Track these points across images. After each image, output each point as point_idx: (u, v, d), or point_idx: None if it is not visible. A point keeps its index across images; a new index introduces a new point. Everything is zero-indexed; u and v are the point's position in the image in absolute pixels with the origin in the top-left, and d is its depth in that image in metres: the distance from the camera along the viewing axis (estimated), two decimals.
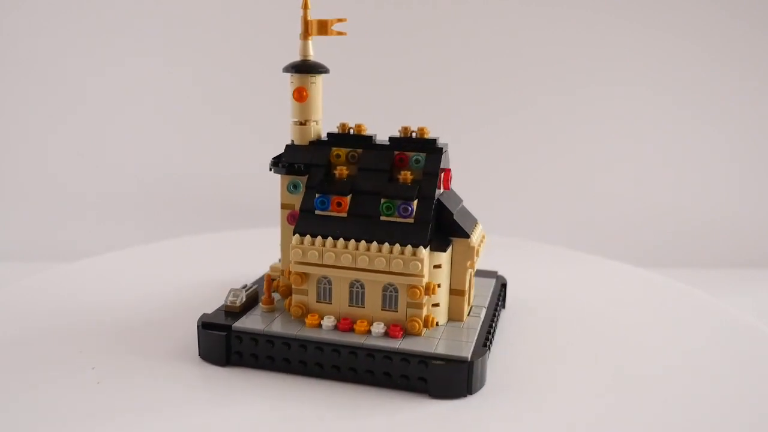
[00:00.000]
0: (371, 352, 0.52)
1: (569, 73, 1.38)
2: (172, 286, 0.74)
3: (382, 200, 0.54)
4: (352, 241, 0.54)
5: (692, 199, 1.42)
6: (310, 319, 0.55)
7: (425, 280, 0.53)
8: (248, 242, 0.91)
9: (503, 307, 0.68)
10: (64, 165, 1.34)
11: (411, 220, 0.54)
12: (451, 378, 0.51)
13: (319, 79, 0.59)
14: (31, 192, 1.34)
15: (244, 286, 0.60)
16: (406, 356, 0.51)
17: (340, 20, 0.57)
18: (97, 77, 1.31)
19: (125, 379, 0.53)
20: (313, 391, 0.52)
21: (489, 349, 0.55)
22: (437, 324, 0.56)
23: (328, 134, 0.59)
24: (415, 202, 0.54)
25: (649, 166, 1.42)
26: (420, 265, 0.52)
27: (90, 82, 1.31)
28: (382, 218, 0.54)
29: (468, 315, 0.58)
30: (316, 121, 0.59)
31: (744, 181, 1.43)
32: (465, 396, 0.51)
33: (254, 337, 0.55)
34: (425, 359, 0.51)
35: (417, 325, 0.53)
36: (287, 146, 0.59)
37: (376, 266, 0.53)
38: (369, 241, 0.54)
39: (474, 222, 0.59)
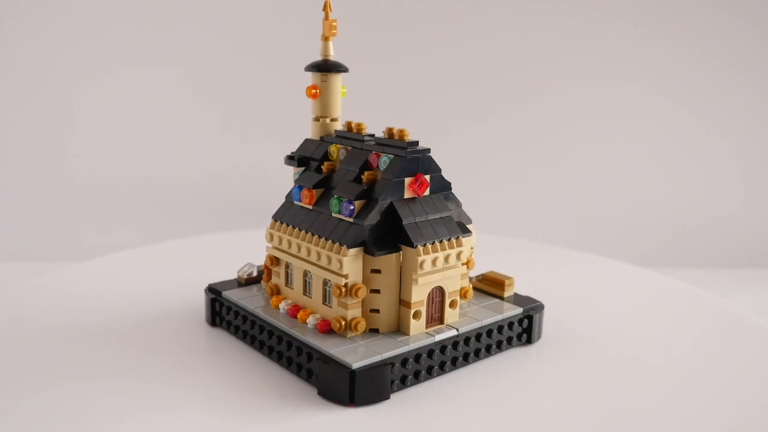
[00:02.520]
0: (290, 341, 0.54)
1: (571, 72, 1.38)
2: (176, 284, 0.74)
3: (333, 196, 0.55)
4: (303, 231, 0.56)
5: (693, 199, 1.42)
6: (273, 301, 0.59)
7: (348, 280, 0.52)
8: (254, 241, 0.89)
9: (528, 341, 0.61)
10: (66, 166, 1.33)
11: (350, 219, 0.53)
12: (333, 382, 0.50)
13: (333, 78, 0.61)
14: (32, 193, 1.33)
15: None
16: (310, 351, 0.52)
17: (334, 21, 0.59)
18: (96, 80, 1.31)
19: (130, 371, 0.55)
20: (247, 368, 0.55)
21: (402, 365, 0.51)
22: (378, 330, 0.54)
23: (335, 131, 0.61)
24: (359, 202, 0.53)
25: (650, 166, 1.42)
26: (340, 263, 0.52)
27: (90, 85, 1.31)
28: (333, 214, 0.55)
29: (425, 329, 0.55)
30: (330, 118, 0.62)
31: (744, 181, 1.42)
32: (348, 404, 0.49)
33: (229, 306, 0.61)
34: (321, 358, 0.51)
35: (338, 324, 0.53)
36: (305, 140, 0.63)
37: (312, 258, 0.55)
38: (313, 234, 0.55)
39: (449, 234, 0.54)
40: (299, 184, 0.58)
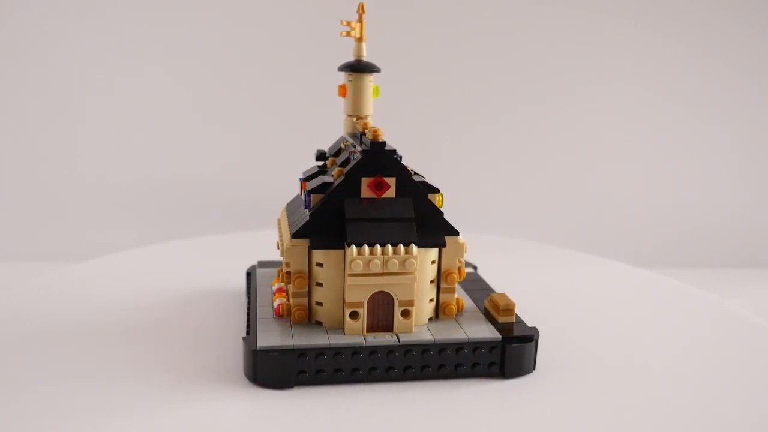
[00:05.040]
0: (248, 320, 0.58)
1: (570, 72, 1.39)
2: (177, 285, 0.74)
3: (305, 189, 0.58)
4: (287, 220, 0.60)
5: (692, 200, 1.44)
6: (274, 282, 0.64)
7: (291, 269, 0.55)
8: (255, 242, 0.87)
9: (502, 374, 0.54)
10: (66, 166, 1.32)
11: (306, 212, 0.56)
12: (247, 360, 0.53)
13: (360, 78, 0.63)
14: (33, 193, 1.33)
15: None
16: (248, 329, 0.56)
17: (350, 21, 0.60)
18: (96, 81, 1.30)
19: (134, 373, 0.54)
20: (218, 346, 0.59)
21: (315, 358, 0.52)
22: (319, 322, 0.55)
23: (356, 129, 0.63)
24: (316, 196, 0.55)
25: (650, 165, 1.43)
26: (282, 251, 0.55)
27: (90, 86, 1.30)
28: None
29: (365, 332, 0.54)
30: (357, 117, 0.63)
31: (744, 182, 1.44)
32: (252, 381, 0.52)
33: (248, 282, 0.67)
34: (246, 335, 0.55)
35: (284, 309, 0.56)
36: (340, 137, 0.66)
37: (280, 245, 0.58)
38: (288, 223, 0.59)
39: (399, 239, 0.52)
40: (302, 175, 0.62)
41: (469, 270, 0.71)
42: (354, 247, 0.52)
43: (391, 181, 0.54)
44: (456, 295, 0.58)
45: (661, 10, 1.37)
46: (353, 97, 0.63)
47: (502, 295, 0.59)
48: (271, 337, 0.53)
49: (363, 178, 0.54)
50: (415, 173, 0.60)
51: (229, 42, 1.34)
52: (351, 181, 0.54)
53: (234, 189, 1.37)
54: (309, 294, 0.55)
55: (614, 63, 1.40)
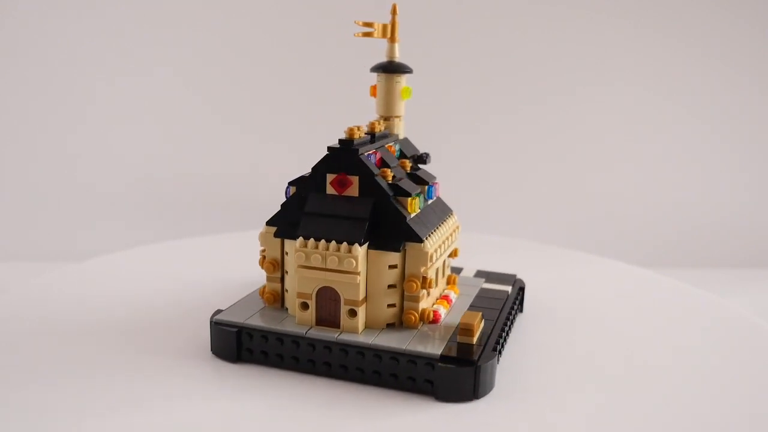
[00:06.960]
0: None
1: (570, 72, 1.40)
2: (183, 284, 0.74)
3: None
4: None
5: (692, 200, 1.44)
6: None
7: (266, 254, 0.57)
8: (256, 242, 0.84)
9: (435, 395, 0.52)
10: (67, 166, 1.32)
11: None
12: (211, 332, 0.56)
13: (386, 79, 0.63)
14: (33, 193, 1.32)
15: None
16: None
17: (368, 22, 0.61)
18: (97, 81, 1.30)
19: (137, 373, 0.54)
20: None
21: (260, 339, 0.54)
22: (285, 307, 0.58)
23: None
24: (292, 188, 0.57)
25: (650, 165, 1.43)
26: (259, 236, 0.57)
27: (91, 86, 1.30)
28: None
29: (314, 324, 0.54)
30: (383, 117, 0.64)
31: (744, 182, 1.44)
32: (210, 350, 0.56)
33: None
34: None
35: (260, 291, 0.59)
36: None
37: None
38: None
39: (342, 237, 0.52)
40: None
41: (503, 287, 0.67)
42: (301, 239, 0.53)
43: (355, 179, 0.55)
44: (426, 306, 0.56)
45: (661, 10, 1.38)
46: (381, 97, 0.64)
47: (473, 314, 0.55)
48: (234, 313, 0.55)
49: (328, 175, 0.55)
50: (418, 176, 0.60)
51: (230, 41, 1.35)
52: (317, 177, 0.55)
53: (234, 189, 1.37)
54: (282, 280, 0.57)
55: (614, 63, 1.40)
